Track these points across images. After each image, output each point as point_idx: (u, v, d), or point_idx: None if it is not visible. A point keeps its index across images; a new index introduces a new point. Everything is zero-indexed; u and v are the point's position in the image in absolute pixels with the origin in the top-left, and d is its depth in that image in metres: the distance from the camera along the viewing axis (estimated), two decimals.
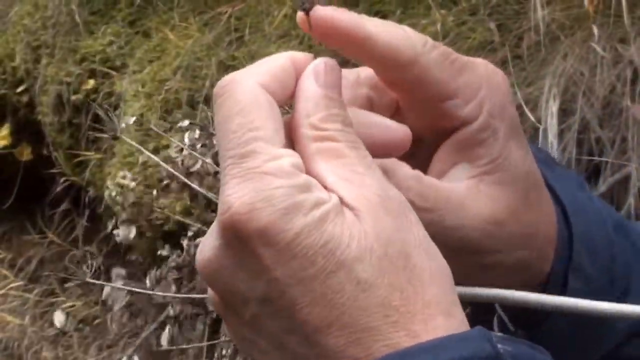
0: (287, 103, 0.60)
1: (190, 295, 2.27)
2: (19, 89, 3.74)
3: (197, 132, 2.17)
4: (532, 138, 2.38)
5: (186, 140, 2.18)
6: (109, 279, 3.10)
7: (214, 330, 2.53)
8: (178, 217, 2.47)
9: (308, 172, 0.58)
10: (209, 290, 0.60)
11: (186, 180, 1.98)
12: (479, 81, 0.65)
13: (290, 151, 0.58)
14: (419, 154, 0.67)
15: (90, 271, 3.34)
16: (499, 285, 0.66)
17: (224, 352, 2.48)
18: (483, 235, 0.65)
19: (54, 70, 3.56)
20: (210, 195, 2.00)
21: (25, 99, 3.75)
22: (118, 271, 2.80)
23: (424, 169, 0.66)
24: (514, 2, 2.65)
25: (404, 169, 0.64)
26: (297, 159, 0.58)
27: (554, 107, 2.36)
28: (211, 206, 2.48)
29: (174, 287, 2.36)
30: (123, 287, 2.37)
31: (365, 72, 0.67)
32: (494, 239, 0.65)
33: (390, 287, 0.56)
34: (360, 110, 0.63)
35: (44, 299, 3.63)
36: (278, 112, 0.59)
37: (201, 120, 2.57)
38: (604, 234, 0.71)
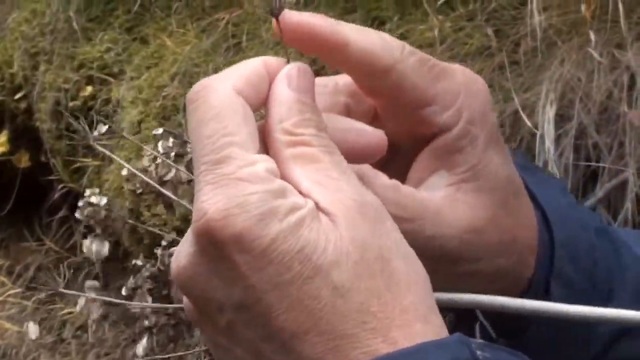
0: (261, 108, 0.60)
1: (165, 305, 2.26)
2: (17, 96, 3.74)
3: (171, 140, 2.16)
4: (529, 144, 2.38)
5: (160, 148, 2.17)
6: (106, 286, 3.10)
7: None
8: (151, 228, 2.47)
9: (283, 177, 0.57)
10: (184, 299, 0.59)
11: (160, 189, 1.97)
12: (458, 88, 0.65)
13: (264, 156, 0.58)
14: (398, 161, 0.67)
15: (90, 278, 3.34)
16: (479, 293, 0.65)
17: None
18: (462, 244, 0.64)
19: (51, 77, 3.56)
20: (183, 202, 1.99)
21: (23, 105, 3.75)
22: (91, 283, 2.79)
23: (403, 177, 0.66)
24: (511, 7, 2.65)
25: (382, 179, 0.63)
26: (272, 164, 0.57)
27: (551, 112, 2.36)
28: (187, 216, 2.48)
29: (149, 297, 2.36)
30: (97, 297, 2.36)
31: (343, 79, 0.66)
32: (473, 248, 0.65)
33: (367, 292, 0.55)
34: (335, 115, 0.63)
35: (41, 306, 3.62)
36: (252, 117, 0.58)
37: (174, 128, 2.57)
38: (586, 238, 0.70)
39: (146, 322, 2.40)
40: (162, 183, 2.06)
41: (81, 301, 2.34)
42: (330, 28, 0.61)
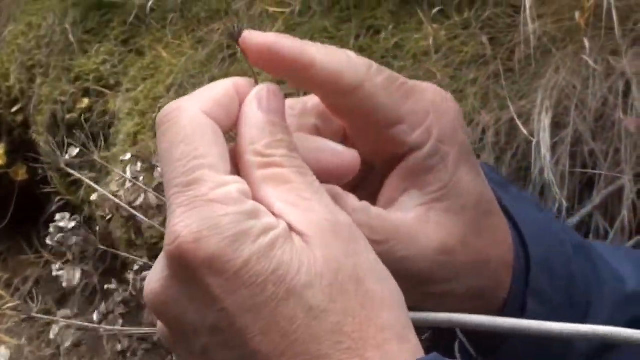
0: (232, 129, 0.59)
1: (139, 329, 2.24)
2: (14, 109, 3.74)
3: (139, 164, 2.13)
4: (525, 151, 2.37)
5: (128, 172, 2.15)
6: (103, 298, 3.09)
7: None
8: (123, 252, 2.46)
9: (255, 199, 0.57)
10: (158, 323, 0.59)
11: (133, 212, 1.95)
12: (427, 106, 0.64)
13: (236, 177, 0.57)
14: (370, 181, 0.66)
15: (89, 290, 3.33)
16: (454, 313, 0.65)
17: None
18: (434, 265, 0.64)
19: (48, 90, 3.56)
20: (155, 224, 1.97)
21: (20, 118, 3.75)
22: (64, 312, 2.77)
23: (375, 197, 0.65)
24: (506, 15, 2.64)
25: (351, 201, 0.63)
26: (244, 185, 0.57)
27: (546, 120, 2.35)
28: (157, 240, 2.48)
29: (121, 321, 2.34)
30: (67, 320, 2.34)
31: (312, 100, 0.66)
32: (445, 268, 0.64)
33: (342, 312, 0.55)
34: (306, 136, 0.62)
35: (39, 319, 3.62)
36: (222, 138, 0.58)
37: (142, 152, 2.55)
38: (563, 253, 0.70)
39: (119, 347, 2.38)
40: (133, 208, 2.04)
41: (54, 329, 2.31)
42: (295, 48, 0.61)
